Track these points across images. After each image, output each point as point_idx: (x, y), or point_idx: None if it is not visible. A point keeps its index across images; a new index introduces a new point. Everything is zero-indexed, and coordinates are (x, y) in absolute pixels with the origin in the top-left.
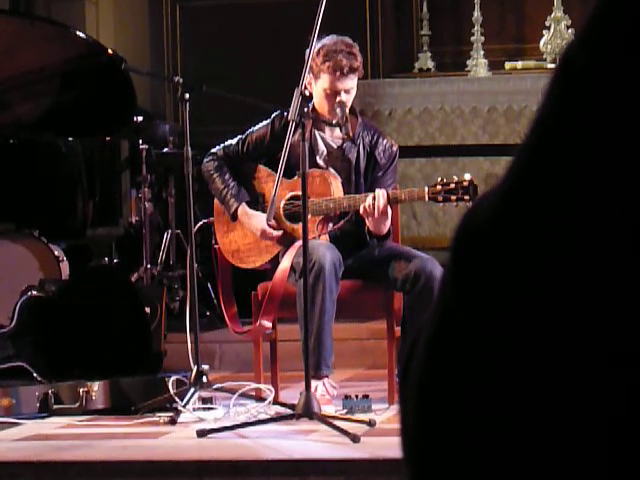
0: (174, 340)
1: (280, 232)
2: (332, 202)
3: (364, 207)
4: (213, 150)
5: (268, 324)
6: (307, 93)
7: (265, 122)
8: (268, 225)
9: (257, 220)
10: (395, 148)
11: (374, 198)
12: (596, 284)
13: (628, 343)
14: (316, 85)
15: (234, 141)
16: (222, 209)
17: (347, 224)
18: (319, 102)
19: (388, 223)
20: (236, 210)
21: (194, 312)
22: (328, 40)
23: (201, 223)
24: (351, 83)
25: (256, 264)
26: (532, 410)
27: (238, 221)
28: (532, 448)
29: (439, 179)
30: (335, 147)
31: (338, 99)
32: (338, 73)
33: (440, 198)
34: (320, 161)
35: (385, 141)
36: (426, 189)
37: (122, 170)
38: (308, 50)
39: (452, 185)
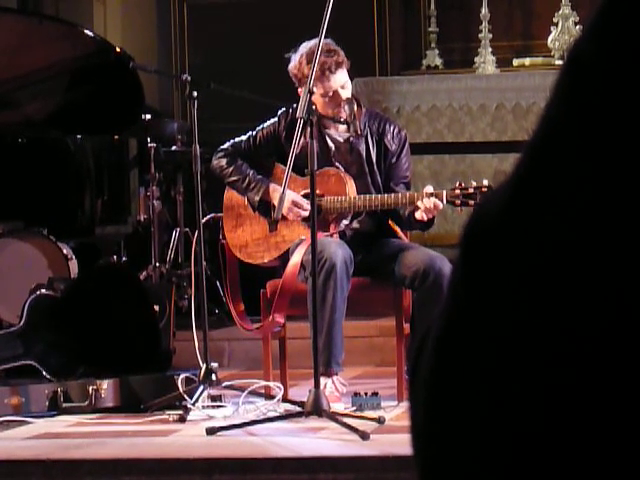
0: (183, 338)
1: (308, 208)
2: (347, 201)
3: (425, 208)
4: (222, 147)
5: (280, 319)
6: (314, 90)
7: (272, 120)
8: (277, 222)
9: (288, 193)
10: (404, 132)
11: (429, 195)
12: (606, 276)
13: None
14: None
15: (244, 138)
16: (232, 203)
17: (359, 223)
18: (322, 108)
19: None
20: (267, 190)
21: (203, 310)
22: (303, 48)
23: (208, 217)
24: (343, 77)
25: (264, 260)
26: (544, 404)
27: (248, 216)
28: (543, 442)
29: (457, 183)
30: (342, 141)
31: (341, 100)
32: (327, 72)
33: (458, 202)
34: (333, 158)
35: (392, 127)
36: (444, 192)
37: (130, 168)
38: (299, 55)
39: (471, 190)
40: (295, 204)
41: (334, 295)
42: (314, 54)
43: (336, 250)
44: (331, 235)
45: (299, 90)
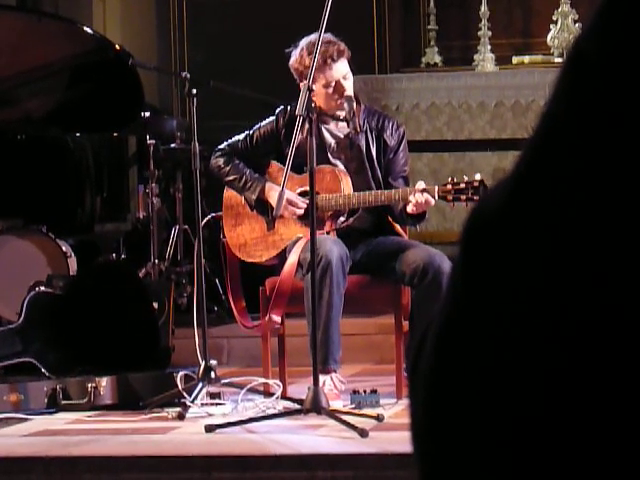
0: (182, 335)
1: (305, 205)
2: (342, 198)
3: (417, 202)
4: (220, 147)
5: (277, 318)
6: (314, 88)
7: (270, 118)
8: (275, 220)
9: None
10: (402, 129)
11: (422, 191)
12: (606, 274)
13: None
14: (315, 87)
15: (241, 137)
16: (231, 202)
17: (356, 221)
18: (324, 101)
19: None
20: (263, 189)
21: (202, 307)
22: (304, 42)
23: (208, 217)
24: (344, 67)
25: (262, 258)
26: (543, 403)
27: (247, 215)
28: (542, 440)
29: (449, 178)
30: (342, 137)
31: (343, 91)
32: (329, 61)
33: (450, 197)
34: (330, 154)
35: (391, 123)
36: (436, 188)
37: (130, 166)
38: (297, 52)
39: (462, 185)
40: (290, 202)
41: (330, 292)
42: (313, 45)
43: (332, 247)
44: (327, 232)
45: (300, 85)
